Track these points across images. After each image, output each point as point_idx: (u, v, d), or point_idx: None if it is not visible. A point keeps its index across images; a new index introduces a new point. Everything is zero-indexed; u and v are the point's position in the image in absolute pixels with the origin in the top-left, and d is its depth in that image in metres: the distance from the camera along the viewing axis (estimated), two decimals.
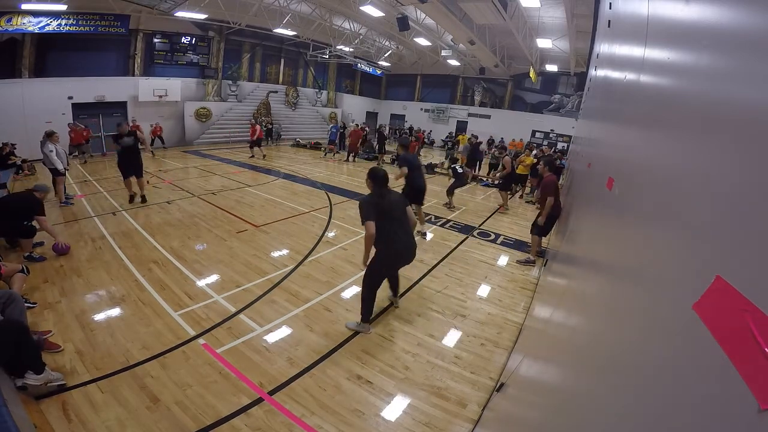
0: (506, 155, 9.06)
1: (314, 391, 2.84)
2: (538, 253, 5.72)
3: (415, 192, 5.95)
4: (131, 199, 7.14)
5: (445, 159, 15.42)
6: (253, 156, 13.20)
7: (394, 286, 3.99)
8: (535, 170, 9.66)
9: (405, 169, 5.82)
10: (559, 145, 18.12)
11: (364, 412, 2.69)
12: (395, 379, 3.02)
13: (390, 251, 3.37)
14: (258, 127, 13.44)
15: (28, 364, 2.52)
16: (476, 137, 12.38)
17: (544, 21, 13.12)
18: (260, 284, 4.36)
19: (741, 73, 0.50)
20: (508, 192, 8.97)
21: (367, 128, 16.26)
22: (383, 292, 3.81)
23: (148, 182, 8.86)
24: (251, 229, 6.17)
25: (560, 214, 5.25)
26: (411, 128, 20.62)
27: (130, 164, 6.85)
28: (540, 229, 5.40)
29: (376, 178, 3.39)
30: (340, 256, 5.34)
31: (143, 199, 7.20)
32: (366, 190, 3.54)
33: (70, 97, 12.04)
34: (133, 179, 7.00)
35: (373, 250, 3.32)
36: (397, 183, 5.49)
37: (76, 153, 11.10)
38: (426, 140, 17.68)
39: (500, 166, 8.79)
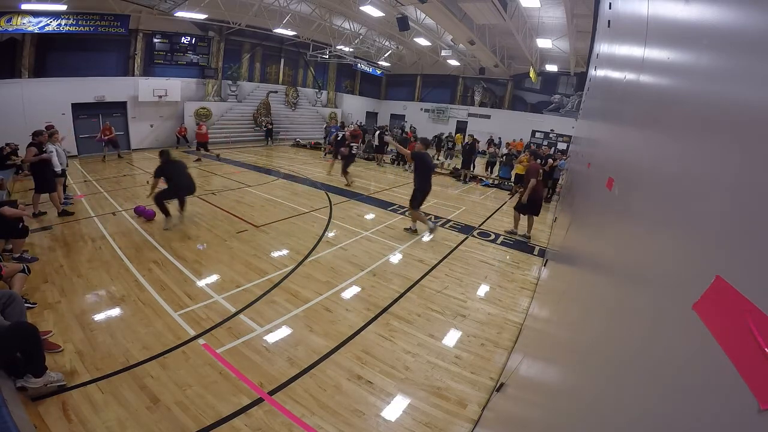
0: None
1: (314, 391, 2.84)
2: (521, 235, 6.88)
3: (423, 190, 6.17)
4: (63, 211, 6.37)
5: (445, 159, 15.45)
6: (199, 159, 12.09)
7: (181, 208, 6.22)
8: None
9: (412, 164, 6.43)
10: (560, 145, 18.13)
11: (364, 412, 2.69)
12: (395, 380, 3.02)
13: (176, 188, 6.03)
14: (204, 126, 12.64)
15: (30, 367, 2.52)
16: (472, 137, 12.43)
17: (544, 21, 13.11)
18: (260, 284, 4.36)
19: (741, 73, 0.50)
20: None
21: (387, 129, 16.08)
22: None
23: (147, 182, 8.86)
24: (251, 229, 6.17)
25: (542, 197, 6.86)
26: (411, 128, 20.53)
27: (52, 174, 6.20)
28: (522, 207, 6.59)
29: (162, 155, 6.05)
30: (340, 256, 5.34)
31: (67, 213, 6.43)
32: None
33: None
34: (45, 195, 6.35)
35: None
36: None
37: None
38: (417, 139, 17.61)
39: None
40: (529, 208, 6.52)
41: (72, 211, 6.49)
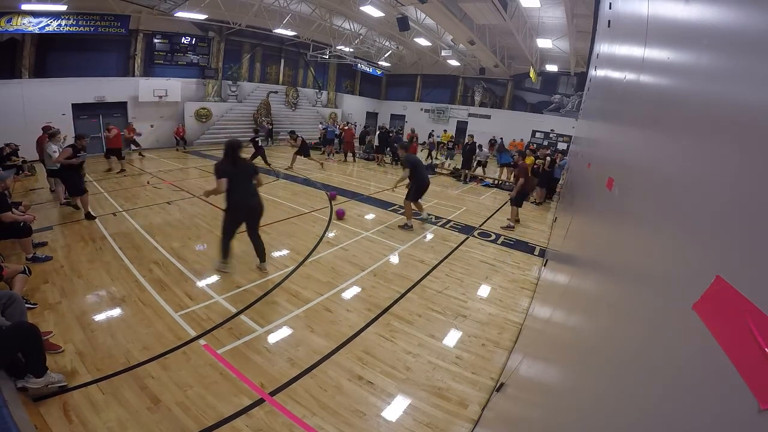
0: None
1: (315, 391, 2.84)
2: (516, 221, 7.59)
3: (419, 188, 6.50)
4: (76, 206, 6.44)
5: (445, 159, 15.46)
6: (110, 169, 9.94)
7: (257, 250, 4.65)
8: (536, 170, 9.70)
9: (408, 171, 6.35)
10: (560, 145, 18.12)
11: (365, 412, 2.69)
12: (396, 380, 3.02)
13: (233, 207, 4.29)
14: (115, 129, 9.93)
15: (31, 368, 2.52)
16: (472, 137, 12.43)
17: (544, 21, 13.10)
18: (261, 285, 4.36)
19: (741, 73, 0.51)
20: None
21: (393, 130, 16.14)
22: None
23: (148, 183, 8.89)
24: None
25: (531, 191, 8.25)
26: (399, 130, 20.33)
27: (81, 178, 6.38)
28: (516, 201, 7.35)
29: (229, 148, 4.33)
30: (340, 256, 5.34)
31: (90, 216, 6.29)
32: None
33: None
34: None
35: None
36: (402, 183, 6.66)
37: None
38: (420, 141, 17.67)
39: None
40: (520, 200, 7.47)
41: (95, 215, 6.33)
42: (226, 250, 4.47)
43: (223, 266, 4.56)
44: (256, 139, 10.49)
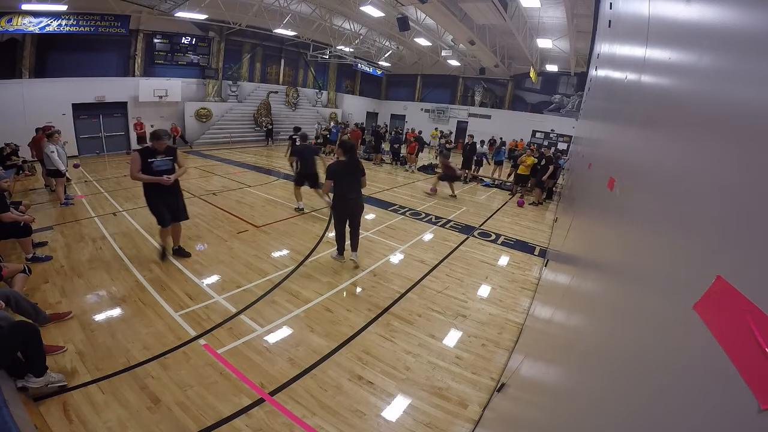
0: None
1: (315, 391, 2.84)
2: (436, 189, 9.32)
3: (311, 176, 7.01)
4: (163, 254, 4.76)
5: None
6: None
7: (352, 242, 4.98)
8: (536, 170, 9.71)
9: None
10: (560, 145, 18.13)
11: (365, 412, 2.69)
12: (396, 380, 3.02)
13: (337, 205, 4.67)
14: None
15: (31, 368, 2.52)
16: (471, 137, 12.41)
17: (544, 21, 13.11)
18: (261, 285, 4.36)
19: (741, 73, 0.51)
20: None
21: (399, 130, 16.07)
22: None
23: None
24: (252, 229, 6.17)
25: (451, 180, 9.38)
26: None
27: (171, 200, 4.55)
28: (441, 177, 9.31)
29: (347, 149, 4.56)
30: None
31: (182, 252, 4.85)
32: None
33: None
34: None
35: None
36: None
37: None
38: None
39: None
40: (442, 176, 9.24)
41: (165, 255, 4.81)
42: (341, 245, 5.00)
43: (339, 258, 5.08)
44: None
